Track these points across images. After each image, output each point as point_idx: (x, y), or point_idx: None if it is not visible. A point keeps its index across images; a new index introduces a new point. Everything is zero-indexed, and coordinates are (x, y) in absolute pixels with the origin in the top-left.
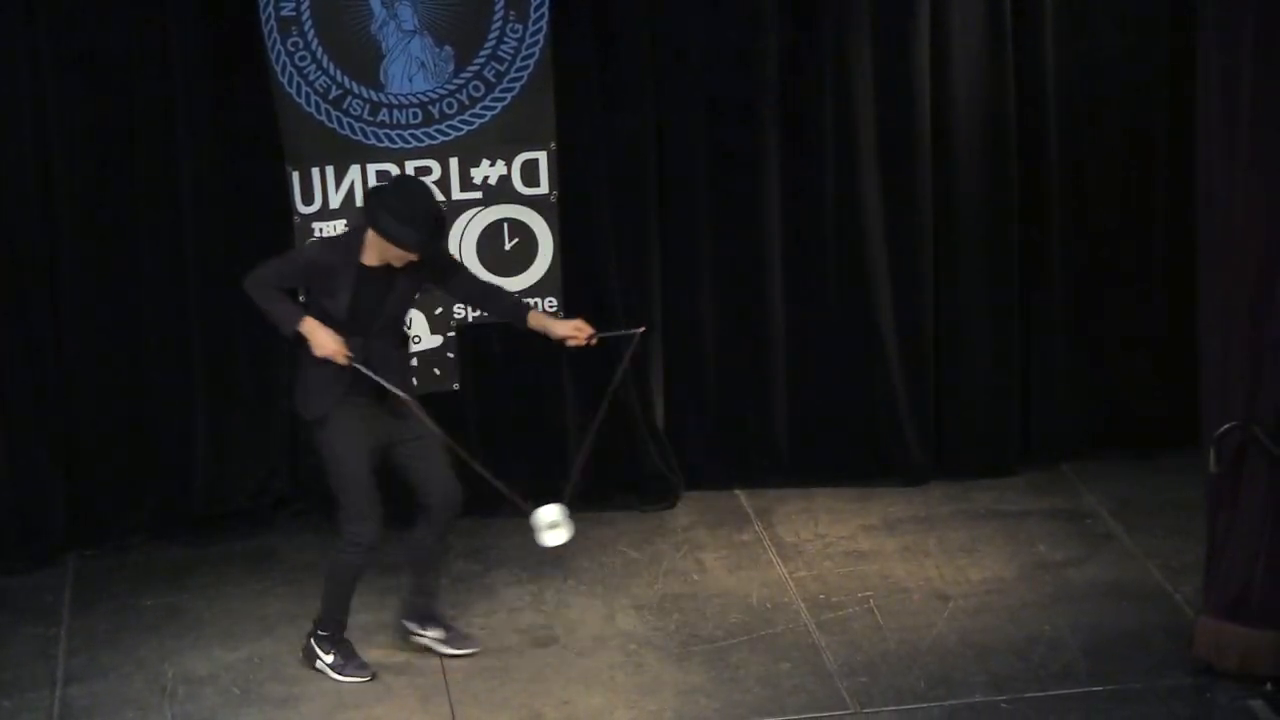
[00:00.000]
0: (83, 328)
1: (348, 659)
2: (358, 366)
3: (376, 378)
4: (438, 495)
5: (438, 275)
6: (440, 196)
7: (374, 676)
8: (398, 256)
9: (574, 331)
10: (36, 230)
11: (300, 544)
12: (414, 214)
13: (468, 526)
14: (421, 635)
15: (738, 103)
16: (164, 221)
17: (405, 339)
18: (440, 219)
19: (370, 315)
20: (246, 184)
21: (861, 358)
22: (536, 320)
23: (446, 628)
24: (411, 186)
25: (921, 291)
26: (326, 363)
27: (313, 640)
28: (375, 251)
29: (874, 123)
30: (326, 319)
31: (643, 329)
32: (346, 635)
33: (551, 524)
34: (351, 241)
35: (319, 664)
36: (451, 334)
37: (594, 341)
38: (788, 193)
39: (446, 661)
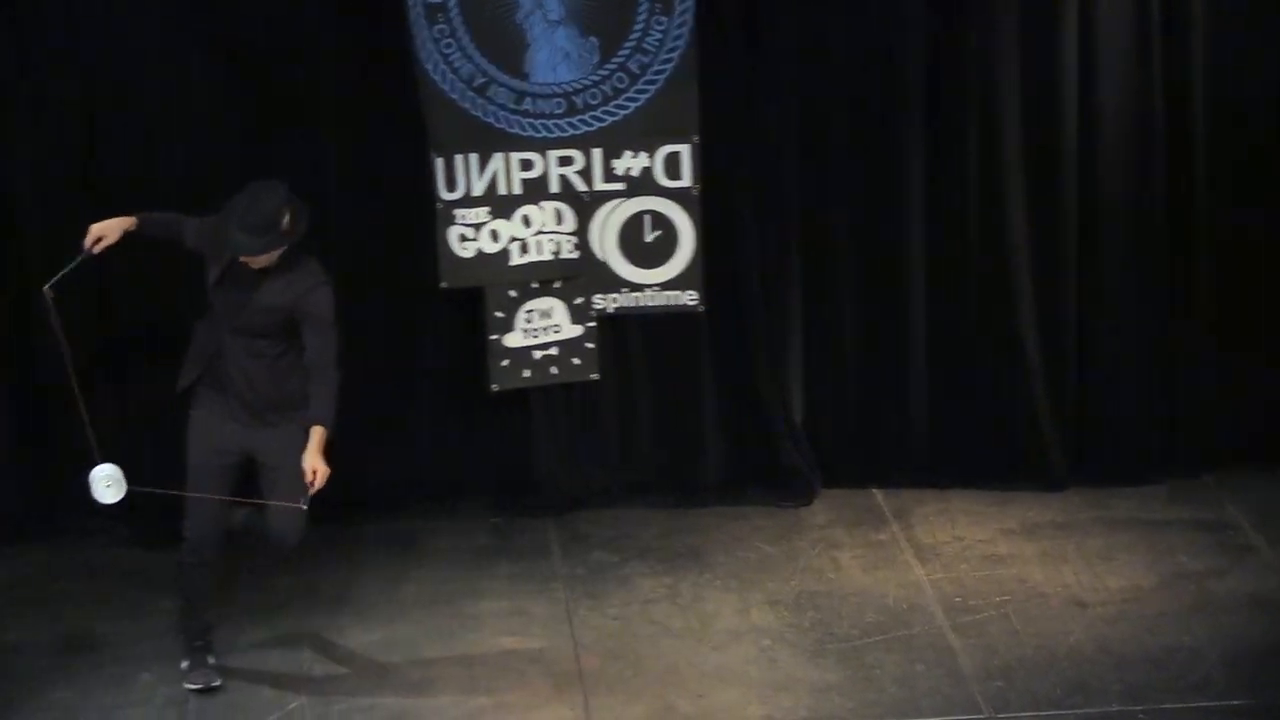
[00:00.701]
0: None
1: (194, 665)
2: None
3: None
4: (271, 531)
5: (300, 312)
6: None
7: (208, 688)
8: (248, 263)
9: (308, 472)
10: (180, 212)
11: (438, 529)
12: (245, 218)
13: (605, 517)
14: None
15: (881, 100)
16: (308, 202)
17: (279, 364)
18: (275, 211)
19: (232, 308)
20: (390, 170)
21: (1003, 359)
22: (313, 427)
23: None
24: (257, 191)
25: (1065, 294)
26: (194, 346)
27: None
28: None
29: (1019, 124)
30: (208, 295)
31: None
32: (205, 641)
33: (106, 480)
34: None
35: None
36: (592, 324)
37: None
38: (931, 191)
39: (581, 652)
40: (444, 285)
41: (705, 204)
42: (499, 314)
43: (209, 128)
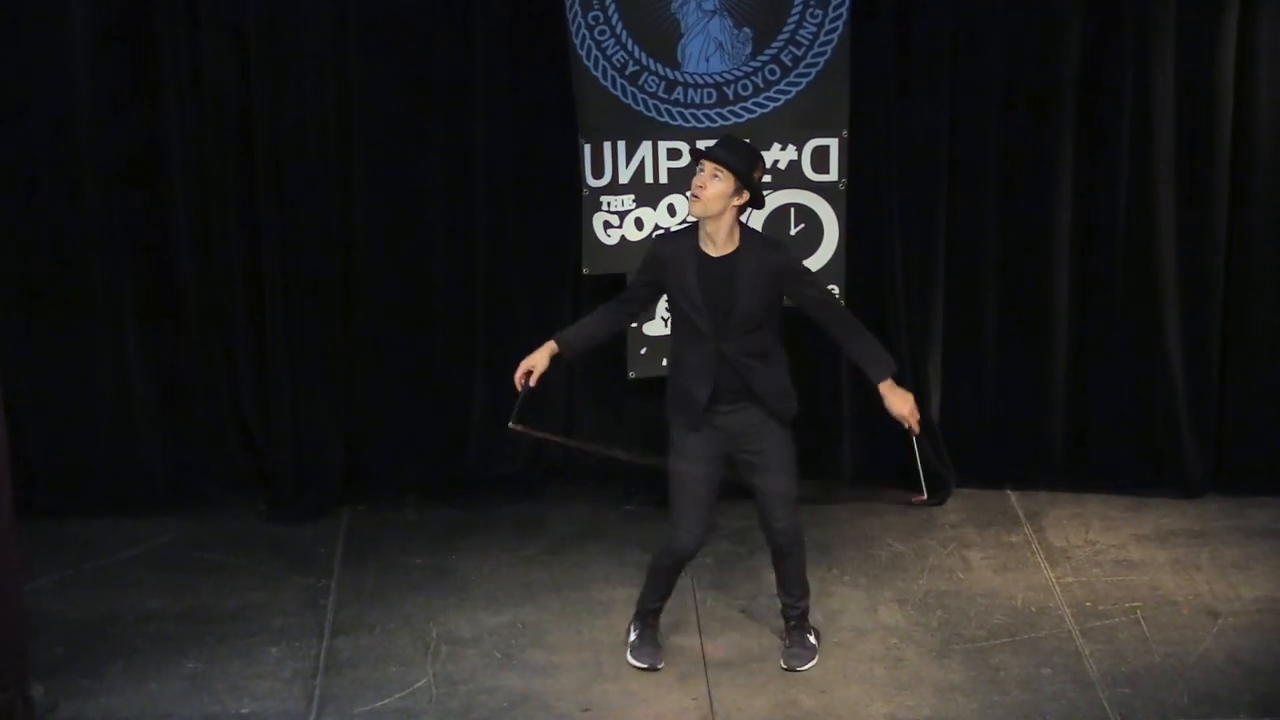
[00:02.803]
0: (370, 290)
1: (643, 642)
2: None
3: (539, 434)
4: (775, 524)
5: (780, 273)
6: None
7: (654, 668)
8: (692, 193)
9: (902, 417)
10: (331, 193)
11: (569, 514)
12: (723, 140)
13: (736, 509)
14: (783, 639)
15: (1034, 99)
16: (456, 189)
17: (776, 357)
18: (750, 155)
19: (721, 308)
20: (538, 154)
21: (1144, 364)
22: (880, 384)
23: (793, 637)
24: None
25: (1211, 299)
26: (680, 374)
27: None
28: (708, 236)
29: (1172, 124)
30: (684, 318)
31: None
32: (656, 622)
33: None
34: (688, 232)
35: (627, 637)
36: None
37: (913, 433)
38: (1079, 192)
39: (706, 643)
40: (586, 271)
41: (851, 199)
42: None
43: (360, 110)
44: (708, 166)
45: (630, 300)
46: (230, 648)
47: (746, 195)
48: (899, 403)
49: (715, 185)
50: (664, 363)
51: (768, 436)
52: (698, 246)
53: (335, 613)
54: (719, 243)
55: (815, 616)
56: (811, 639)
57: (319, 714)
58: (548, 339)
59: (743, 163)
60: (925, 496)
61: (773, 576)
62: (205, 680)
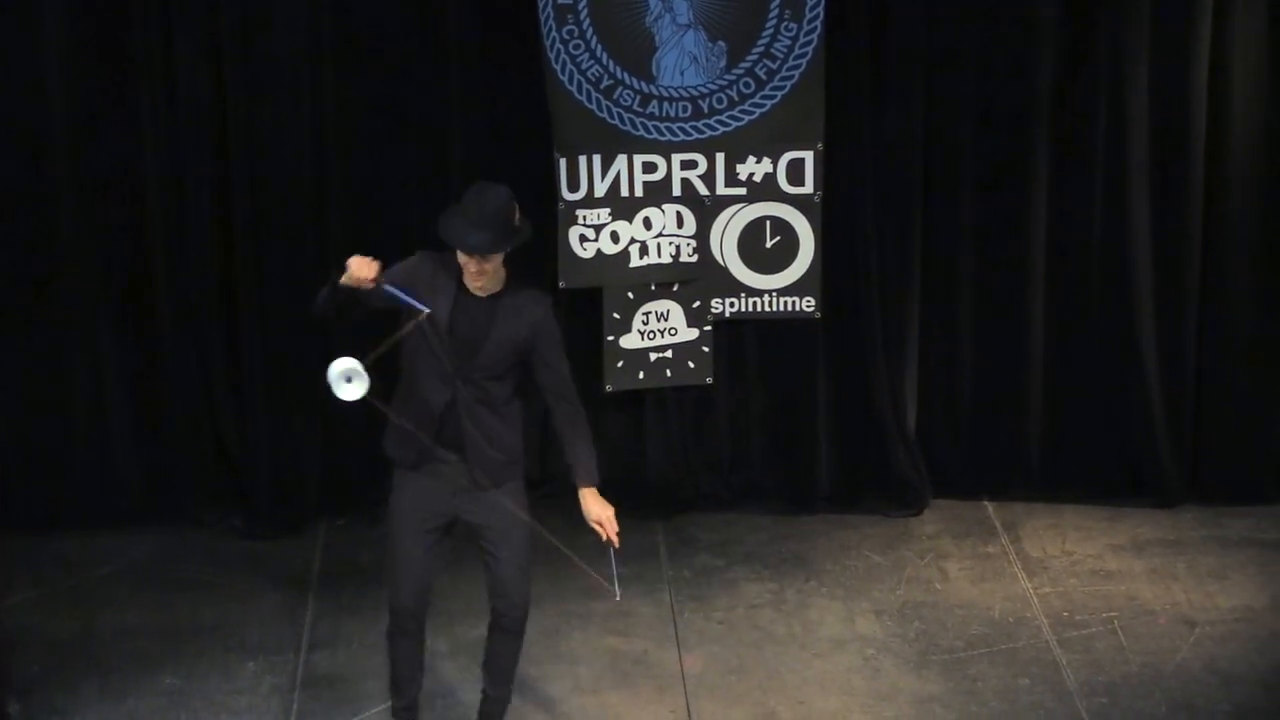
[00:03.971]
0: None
1: None
2: (387, 288)
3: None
4: (501, 600)
5: (534, 339)
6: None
7: None
8: (472, 273)
9: (598, 524)
10: (307, 207)
11: (547, 527)
12: (472, 214)
13: (714, 521)
14: None
15: (1009, 111)
16: (431, 202)
17: (510, 417)
18: (505, 211)
19: (464, 348)
20: (514, 167)
21: (1120, 375)
22: (583, 488)
23: None
24: (484, 190)
25: (1186, 310)
26: (406, 413)
27: None
28: (466, 274)
29: (1146, 136)
30: (425, 348)
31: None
32: None
33: (345, 374)
34: (453, 260)
35: None
36: (708, 328)
37: (610, 541)
38: (1054, 203)
39: (684, 655)
40: (562, 285)
41: (826, 211)
42: (616, 315)
43: (335, 124)
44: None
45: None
46: (208, 663)
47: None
48: (599, 508)
49: (492, 263)
50: (639, 375)
51: (496, 502)
52: (462, 282)
53: (313, 627)
54: (486, 287)
55: (794, 628)
56: None
57: None
58: None
59: (509, 230)
60: (618, 595)
61: (753, 589)
62: (183, 696)
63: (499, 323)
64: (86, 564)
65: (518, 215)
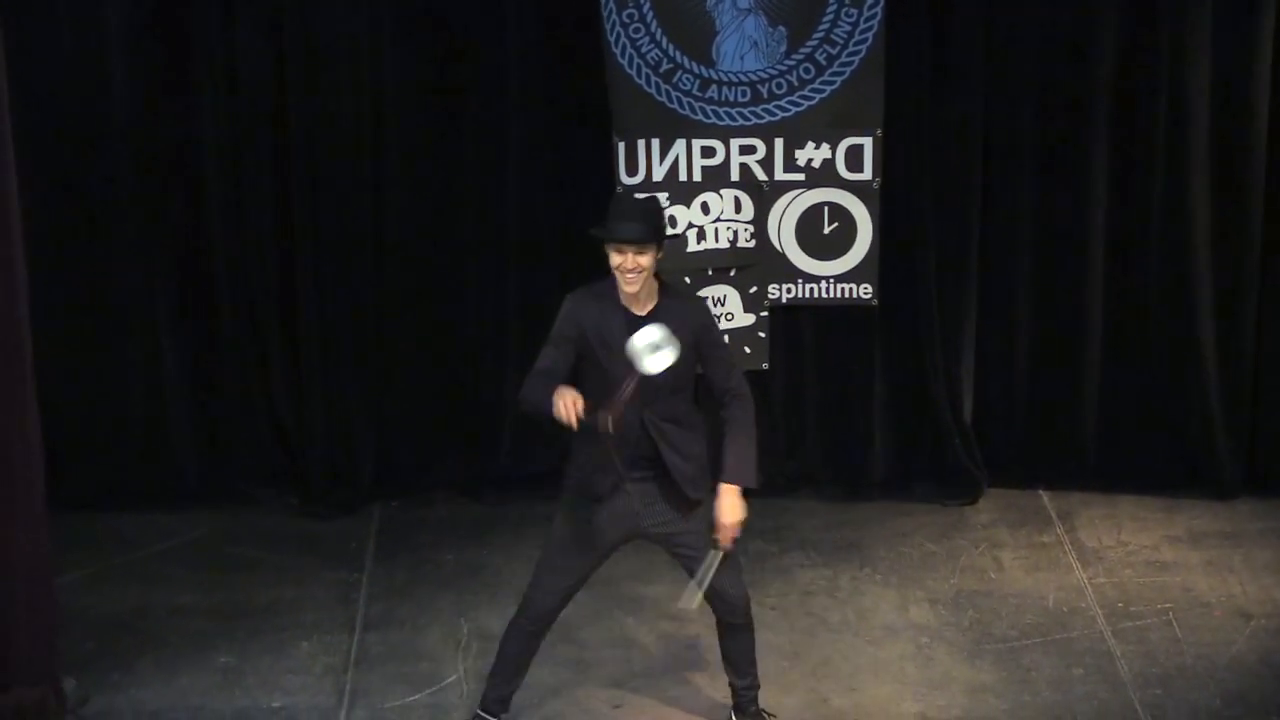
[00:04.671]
0: (403, 287)
1: None
2: (601, 431)
3: (618, 461)
4: (724, 600)
5: (699, 341)
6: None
7: None
8: (622, 274)
9: (722, 531)
10: (364, 191)
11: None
12: (623, 210)
13: (768, 508)
14: None
15: (1069, 97)
16: (489, 184)
17: (697, 426)
18: (653, 212)
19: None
20: (572, 151)
21: (1178, 365)
22: (723, 484)
23: None
24: (628, 193)
25: (1245, 301)
26: (588, 445)
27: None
28: (631, 296)
29: (1207, 125)
30: (603, 381)
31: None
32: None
33: (653, 345)
34: (606, 285)
35: None
36: (765, 314)
37: (722, 547)
38: (1113, 191)
39: None
40: None
41: (885, 198)
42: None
43: (394, 107)
44: (628, 249)
45: (552, 370)
46: (261, 642)
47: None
48: (730, 511)
49: (645, 259)
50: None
51: (684, 512)
52: (620, 304)
53: (366, 608)
54: (642, 300)
55: (847, 615)
56: None
57: (350, 709)
58: None
59: (658, 226)
60: (690, 605)
61: (807, 575)
62: (236, 674)
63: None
64: (141, 542)
65: (666, 220)
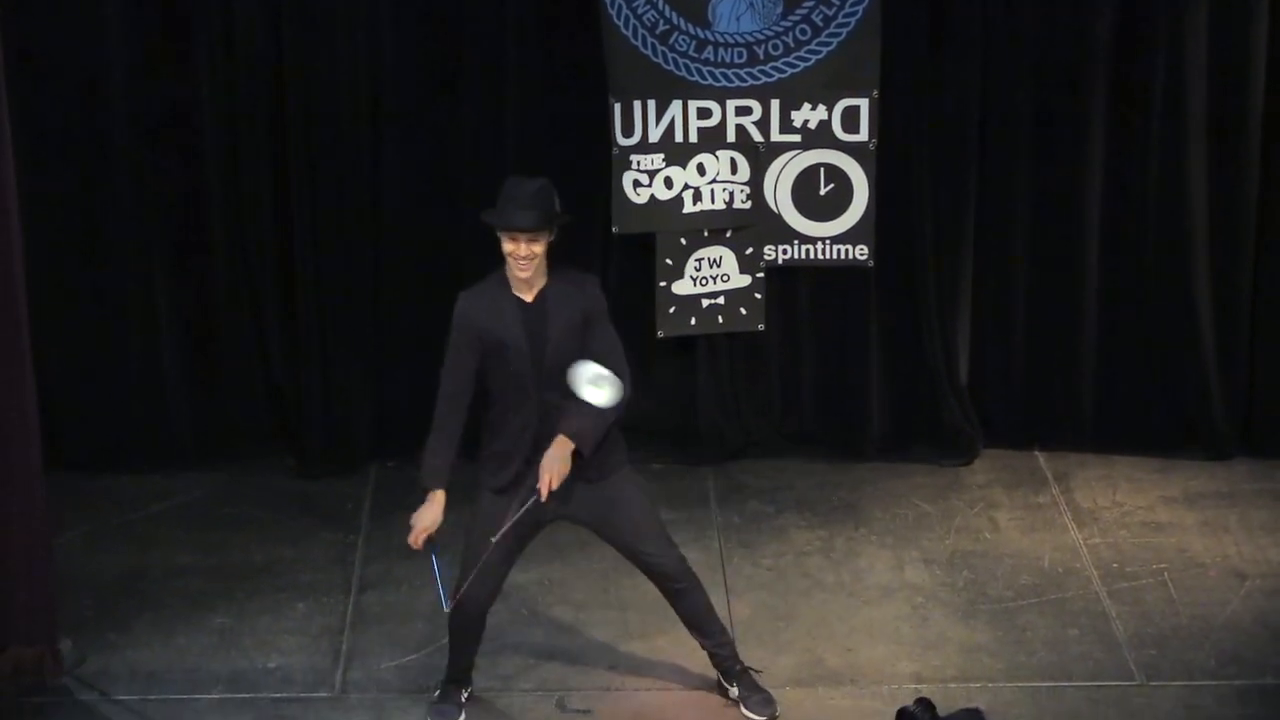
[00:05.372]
0: (400, 247)
1: (443, 699)
2: (433, 558)
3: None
4: (667, 572)
5: (588, 317)
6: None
7: None
8: (515, 261)
9: (550, 473)
10: (361, 151)
11: None
12: (511, 196)
13: (764, 468)
14: (729, 689)
15: (1067, 64)
16: (486, 145)
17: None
18: (545, 196)
19: (536, 353)
20: (569, 113)
21: (1174, 326)
22: (559, 436)
23: (747, 688)
24: (520, 178)
25: (1241, 263)
26: (498, 438)
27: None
28: (513, 277)
29: (1205, 88)
30: (504, 375)
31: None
32: (461, 678)
33: (594, 378)
34: (496, 279)
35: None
36: (760, 275)
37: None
38: (1110, 154)
39: (732, 601)
40: (616, 230)
41: (881, 159)
42: (669, 261)
43: (391, 69)
44: (520, 236)
45: (458, 393)
46: (258, 603)
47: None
48: (553, 461)
49: (539, 246)
50: (691, 322)
51: (601, 492)
52: (511, 294)
53: (363, 568)
54: (534, 286)
55: (842, 576)
56: (759, 681)
57: (346, 669)
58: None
59: (550, 212)
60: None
61: (803, 536)
62: (233, 635)
63: (554, 318)
64: (138, 503)
65: (557, 203)
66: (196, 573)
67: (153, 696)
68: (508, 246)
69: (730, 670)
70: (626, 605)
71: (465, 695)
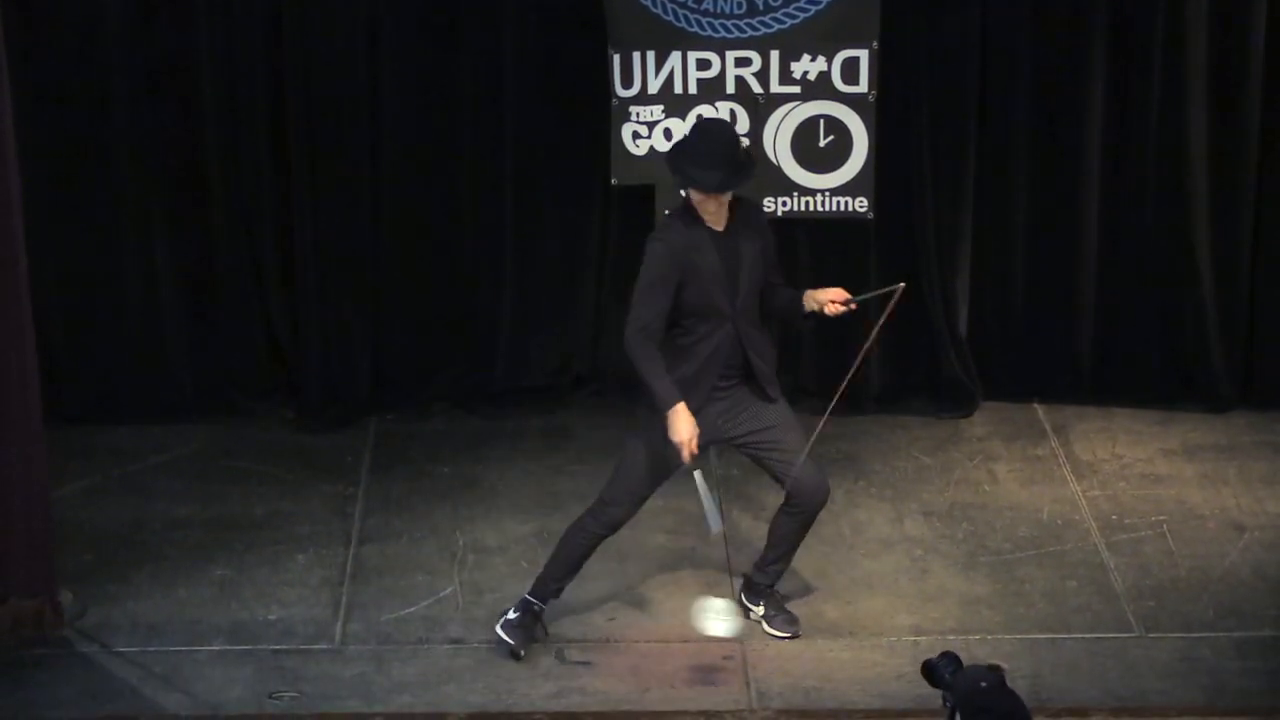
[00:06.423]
0: (399, 199)
1: (520, 622)
2: (695, 476)
3: (707, 495)
4: (805, 490)
5: (765, 232)
6: (744, 130)
7: (515, 655)
8: (712, 211)
9: (835, 297)
10: (360, 103)
11: (595, 424)
12: (710, 152)
13: None
14: (752, 609)
15: (1066, 9)
16: (485, 99)
17: (765, 328)
18: (744, 157)
19: (733, 282)
20: (568, 64)
21: (1174, 279)
22: (808, 301)
23: (773, 607)
24: (709, 127)
25: (1241, 215)
26: (687, 361)
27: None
28: (712, 216)
29: (1205, 40)
30: (699, 303)
31: (902, 285)
32: (543, 607)
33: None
34: (683, 215)
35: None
36: None
37: (853, 306)
38: (1110, 107)
39: (732, 553)
40: (615, 182)
41: (881, 111)
42: (668, 212)
43: (389, 20)
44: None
45: (658, 329)
46: (258, 555)
47: None
48: (822, 292)
49: (729, 196)
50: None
51: (768, 411)
52: (704, 226)
53: (362, 521)
54: (722, 219)
55: (842, 529)
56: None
57: (345, 621)
58: (570, 254)
59: (750, 165)
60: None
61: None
62: (233, 587)
63: (745, 245)
64: (138, 456)
65: (746, 145)
66: (196, 525)
67: (153, 648)
68: (698, 199)
69: (762, 590)
70: (626, 557)
71: (540, 631)
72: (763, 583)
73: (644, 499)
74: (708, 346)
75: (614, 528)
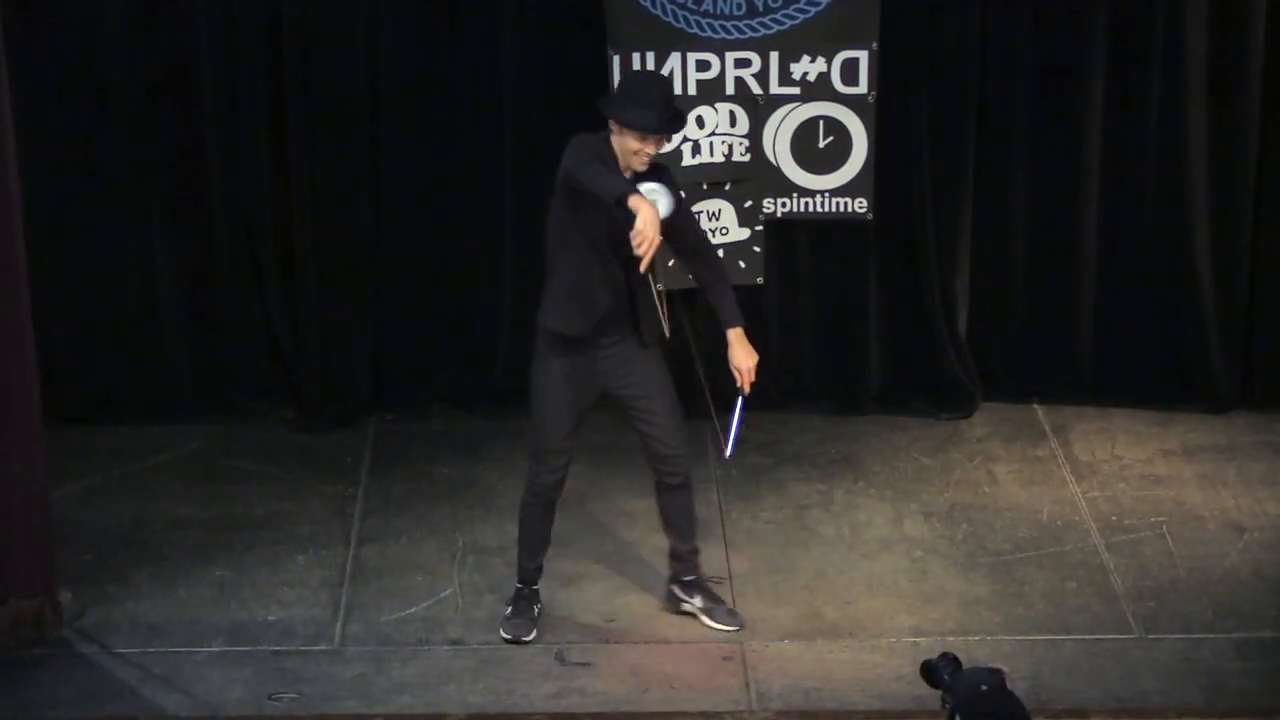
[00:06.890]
0: (400, 199)
1: (515, 613)
2: (652, 286)
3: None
4: (661, 462)
5: (677, 201)
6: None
7: (519, 640)
8: (640, 157)
9: (742, 367)
10: (359, 102)
11: (595, 424)
12: (650, 98)
13: (763, 421)
14: (687, 602)
15: (1066, 12)
16: (486, 98)
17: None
18: (671, 92)
19: (625, 232)
20: (568, 64)
21: (1173, 279)
22: (730, 330)
23: (709, 600)
24: (648, 76)
25: (1241, 215)
26: (575, 298)
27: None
28: (625, 165)
29: (1205, 42)
30: (597, 240)
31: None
32: (534, 589)
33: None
34: (602, 144)
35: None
36: (759, 228)
37: (744, 391)
38: (1110, 107)
39: (731, 554)
40: None
41: (880, 112)
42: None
43: (389, 19)
44: (652, 136)
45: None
46: (258, 555)
47: None
48: (745, 355)
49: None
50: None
51: (644, 362)
52: (617, 167)
53: (362, 521)
54: (635, 170)
55: (842, 529)
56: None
57: (345, 622)
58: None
59: (679, 110)
60: (728, 455)
61: (801, 489)
62: (233, 587)
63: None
64: (138, 456)
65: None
66: (196, 525)
67: (152, 649)
68: (634, 145)
69: (691, 581)
70: (624, 558)
71: (537, 610)
72: (686, 576)
73: (570, 440)
74: (599, 292)
75: (553, 488)
